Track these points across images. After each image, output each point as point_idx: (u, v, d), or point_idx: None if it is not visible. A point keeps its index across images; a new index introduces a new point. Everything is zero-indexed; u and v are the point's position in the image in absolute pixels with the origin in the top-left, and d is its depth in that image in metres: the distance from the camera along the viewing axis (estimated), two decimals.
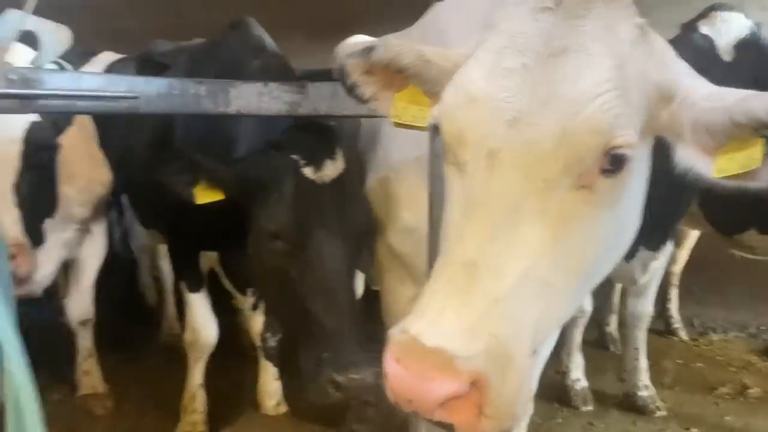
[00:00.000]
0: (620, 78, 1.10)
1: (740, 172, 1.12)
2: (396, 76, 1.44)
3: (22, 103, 1.43)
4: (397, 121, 1.49)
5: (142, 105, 1.68)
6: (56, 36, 1.46)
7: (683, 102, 1.17)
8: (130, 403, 3.62)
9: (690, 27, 2.90)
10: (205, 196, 2.11)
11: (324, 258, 2.03)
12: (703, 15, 2.93)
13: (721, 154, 1.15)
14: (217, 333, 3.14)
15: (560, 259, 1.12)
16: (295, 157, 2.08)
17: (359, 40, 3.76)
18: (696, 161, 1.17)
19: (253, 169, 2.12)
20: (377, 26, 4.86)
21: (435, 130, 1.26)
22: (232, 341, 3.69)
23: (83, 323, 3.54)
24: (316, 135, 2.16)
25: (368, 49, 1.40)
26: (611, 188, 1.13)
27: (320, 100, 1.87)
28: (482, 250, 1.07)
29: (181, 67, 2.90)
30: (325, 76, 3.81)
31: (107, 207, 3.55)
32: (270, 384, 3.40)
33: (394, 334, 1.09)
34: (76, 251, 3.37)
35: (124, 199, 3.89)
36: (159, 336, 4.58)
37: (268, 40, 2.77)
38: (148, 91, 1.70)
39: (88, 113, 1.70)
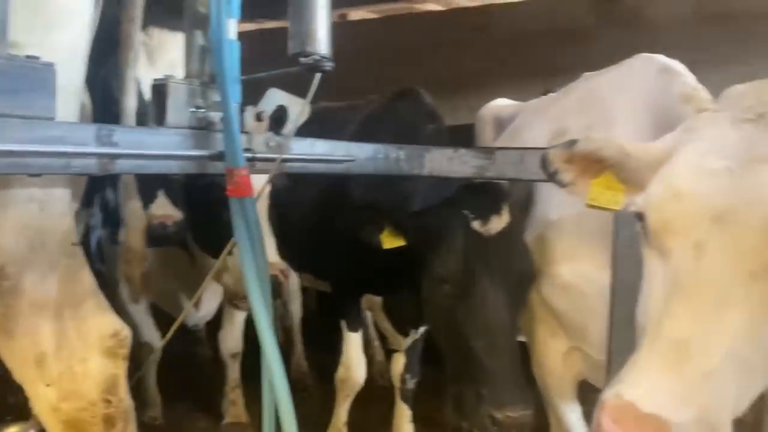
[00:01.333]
0: None
1: None
2: (593, 164, 1.59)
3: (275, 165, 1.71)
4: (592, 203, 1.63)
5: (354, 167, 1.94)
6: (299, 108, 1.73)
7: None
8: None
9: None
10: (389, 242, 2.37)
11: (487, 302, 2.21)
12: None
13: None
14: (365, 374, 3.32)
15: (759, 342, 1.24)
16: (465, 212, 2.29)
17: (501, 102, 3.97)
18: None
19: (431, 221, 2.36)
20: (491, 86, 5.11)
21: (638, 217, 1.41)
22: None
23: (233, 356, 3.86)
24: (485, 193, 2.36)
25: (572, 142, 1.58)
26: None
27: (507, 165, 2.06)
28: (693, 330, 1.21)
29: (354, 127, 3.23)
30: (465, 131, 4.06)
31: None
32: (405, 425, 3.53)
33: (610, 398, 1.23)
34: None
35: None
36: (288, 372, 4.84)
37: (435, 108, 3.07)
38: (360, 154, 1.96)
39: (316, 173, 1.97)
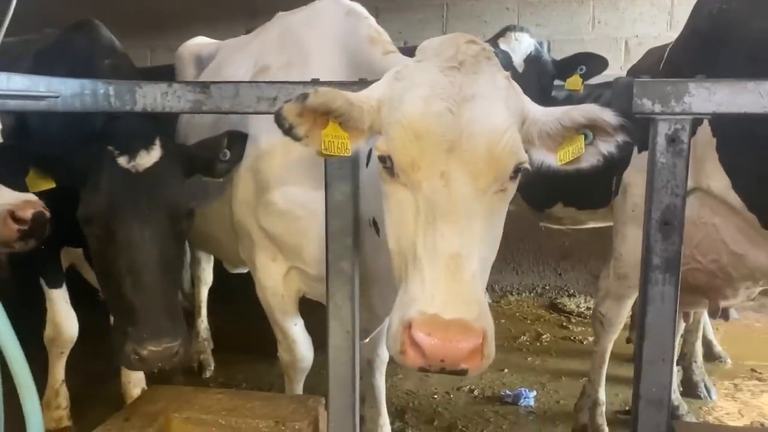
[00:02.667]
0: (510, 114, 1.58)
1: (573, 158, 1.67)
2: (321, 116, 1.70)
3: None
4: (326, 152, 1.74)
5: (60, 104, 1.84)
6: None
7: (531, 121, 1.68)
8: None
9: (491, 43, 3.59)
10: (36, 184, 2.23)
11: (133, 240, 2.17)
12: (501, 34, 3.65)
13: (559, 150, 1.69)
14: (77, 328, 3.22)
15: (491, 241, 1.60)
16: (110, 147, 2.22)
17: (200, 41, 3.98)
18: (545, 157, 1.70)
19: (73, 158, 2.26)
20: (192, 27, 5.10)
21: (382, 160, 1.59)
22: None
23: None
24: (133, 127, 2.30)
25: (304, 96, 1.64)
26: (513, 187, 1.62)
27: (223, 98, 2.05)
28: (460, 244, 1.48)
29: (27, 63, 2.91)
30: (166, 72, 3.96)
31: None
32: (133, 373, 3.49)
33: (415, 316, 1.44)
34: None
35: None
36: None
37: (116, 41, 2.93)
38: (64, 90, 1.85)
39: (16, 110, 1.81)
